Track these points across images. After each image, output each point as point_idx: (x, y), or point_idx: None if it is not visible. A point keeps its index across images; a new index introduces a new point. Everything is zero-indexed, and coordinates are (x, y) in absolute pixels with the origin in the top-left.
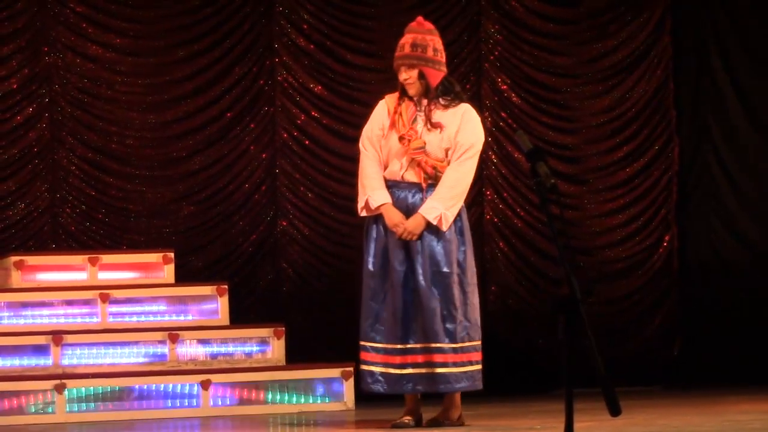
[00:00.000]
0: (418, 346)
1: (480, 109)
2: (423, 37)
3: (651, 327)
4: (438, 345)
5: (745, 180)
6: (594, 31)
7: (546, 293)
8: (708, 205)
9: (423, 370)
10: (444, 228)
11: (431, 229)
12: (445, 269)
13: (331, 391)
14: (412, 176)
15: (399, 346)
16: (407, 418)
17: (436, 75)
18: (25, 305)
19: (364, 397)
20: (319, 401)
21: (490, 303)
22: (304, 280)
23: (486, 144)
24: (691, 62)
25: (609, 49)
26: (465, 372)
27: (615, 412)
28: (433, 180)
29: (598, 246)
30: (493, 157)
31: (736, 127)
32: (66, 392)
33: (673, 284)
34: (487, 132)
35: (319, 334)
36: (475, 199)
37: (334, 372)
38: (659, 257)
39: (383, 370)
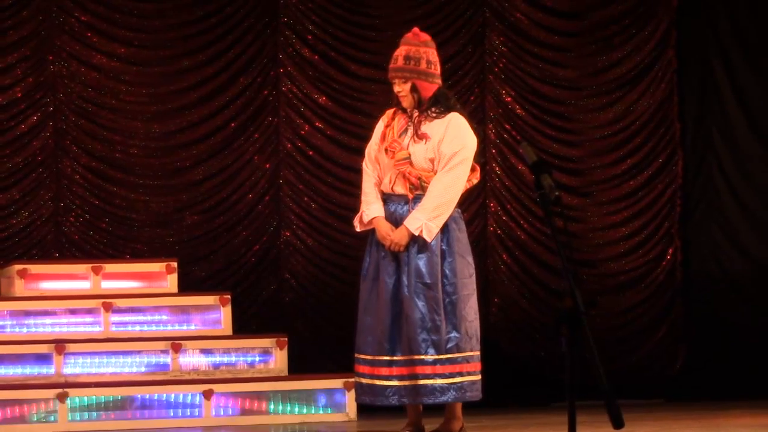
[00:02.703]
0: (403, 358)
1: (484, 121)
2: (417, 50)
3: (654, 340)
4: (420, 357)
5: (748, 193)
6: (598, 43)
7: (549, 306)
8: (712, 219)
9: (407, 383)
10: (428, 238)
11: (417, 240)
12: (428, 280)
13: (333, 401)
14: (400, 188)
15: (386, 358)
16: (409, 430)
17: (429, 88)
18: (28, 314)
19: (366, 408)
20: (321, 412)
21: (492, 315)
22: (307, 290)
23: (490, 156)
24: (696, 75)
25: (613, 62)
26: (452, 383)
27: (618, 424)
28: (420, 191)
29: (602, 259)
30: (497, 169)
31: (740, 141)
32: (68, 401)
33: (676, 297)
34: (491, 144)
35: (322, 344)
36: (478, 212)
37: (337, 383)
38: (663, 270)
39: (369, 381)
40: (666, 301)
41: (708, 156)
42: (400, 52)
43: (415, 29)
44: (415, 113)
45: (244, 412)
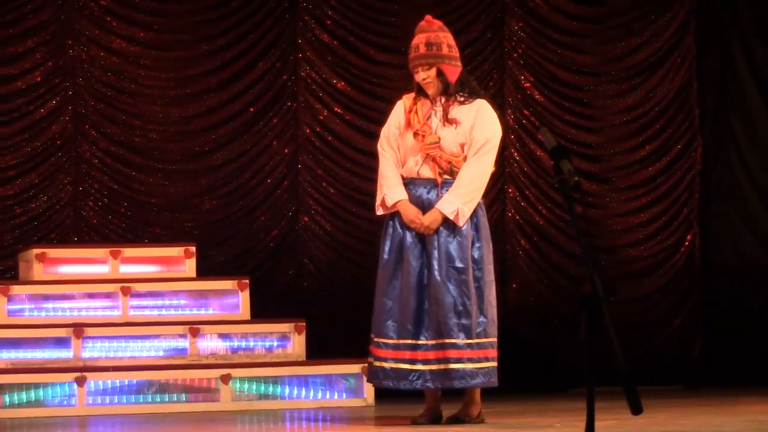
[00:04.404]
0: (430, 342)
1: (503, 106)
2: (436, 35)
3: (672, 326)
4: (452, 340)
5: (767, 180)
6: (618, 29)
7: (567, 291)
8: (730, 205)
9: (434, 367)
10: (460, 223)
11: (447, 224)
12: (460, 264)
13: (351, 386)
14: (427, 172)
15: (410, 342)
16: (427, 415)
17: (454, 71)
18: (46, 298)
19: (383, 393)
20: (338, 397)
21: (511, 301)
22: (325, 275)
23: (509, 142)
24: (715, 62)
25: (633, 48)
26: (481, 368)
27: (637, 410)
28: (448, 175)
29: (620, 245)
30: (516, 154)
31: (759, 127)
32: (86, 385)
33: (694, 284)
34: (510, 130)
35: (340, 329)
36: (497, 197)
37: (354, 367)
38: (681, 257)
39: (393, 365)
40: (684, 287)
41: (727, 142)
42: (419, 39)
43: (428, 17)
44: (442, 98)
45: (262, 396)
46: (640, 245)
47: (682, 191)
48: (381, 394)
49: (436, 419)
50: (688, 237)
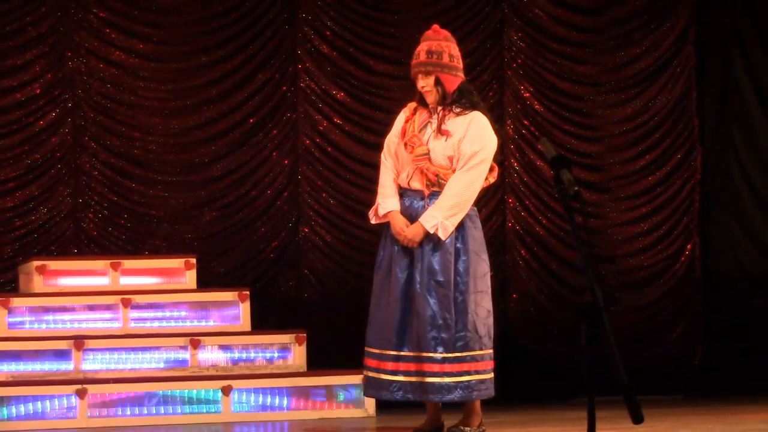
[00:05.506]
0: (411, 354)
1: (502, 116)
2: (439, 44)
3: (672, 335)
4: (429, 354)
5: (767, 189)
6: (617, 39)
7: (567, 301)
8: (730, 215)
9: (414, 379)
10: (443, 237)
11: (431, 237)
12: (441, 278)
13: (351, 397)
14: (416, 183)
15: (393, 353)
16: (427, 426)
17: (453, 81)
18: (46, 310)
19: (384, 403)
20: (339, 408)
21: (511, 311)
22: (326, 286)
23: (508, 152)
24: (715, 71)
25: (632, 58)
26: (459, 382)
27: (637, 420)
28: (436, 187)
29: (621, 254)
30: (516, 164)
31: (759, 137)
32: (87, 397)
33: (694, 293)
34: (510, 140)
35: (341, 340)
36: (497, 207)
37: (355, 378)
38: (681, 266)
39: (375, 375)
40: (684, 296)
41: (727, 152)
42: (422, 47)
43: (435, 26)
44: (439, 108)
45: (263, 408)
46: (640, 254)
47: (682, 200)
48: (382, 405)
49: (437, 430)
50: (688, 246)
